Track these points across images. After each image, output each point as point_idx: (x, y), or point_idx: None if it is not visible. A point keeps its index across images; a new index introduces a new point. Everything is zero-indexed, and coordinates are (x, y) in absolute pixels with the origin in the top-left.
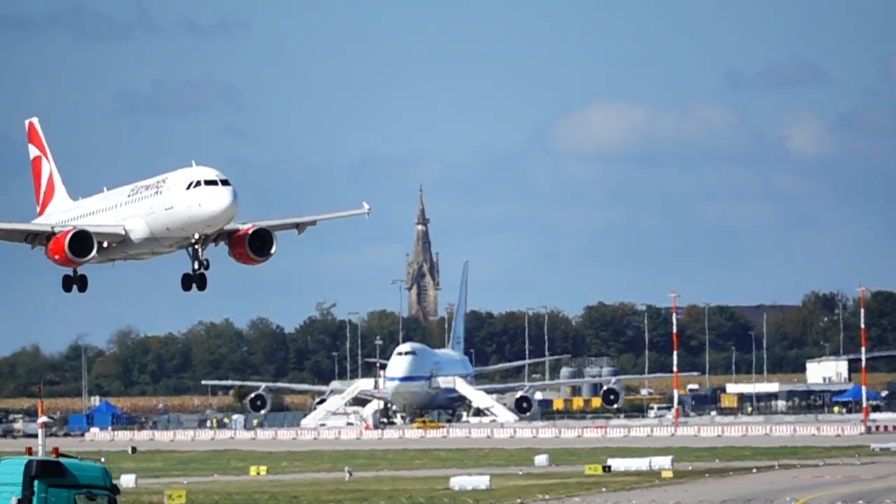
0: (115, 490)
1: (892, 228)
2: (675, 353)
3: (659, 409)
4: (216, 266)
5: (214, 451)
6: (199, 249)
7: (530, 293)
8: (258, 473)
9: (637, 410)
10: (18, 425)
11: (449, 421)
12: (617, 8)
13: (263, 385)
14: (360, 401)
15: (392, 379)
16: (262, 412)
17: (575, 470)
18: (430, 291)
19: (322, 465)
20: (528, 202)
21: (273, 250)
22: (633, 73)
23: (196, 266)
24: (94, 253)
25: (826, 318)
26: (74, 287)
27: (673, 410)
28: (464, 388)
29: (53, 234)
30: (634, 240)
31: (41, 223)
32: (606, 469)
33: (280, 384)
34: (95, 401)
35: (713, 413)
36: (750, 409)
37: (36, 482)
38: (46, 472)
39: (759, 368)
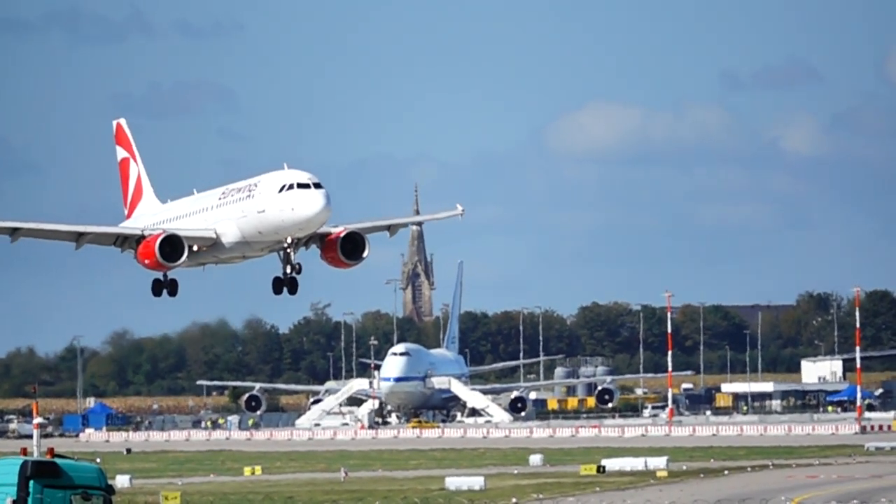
0: (110, 490)
1: (886, 228)
2: (669, 352)
3: (653, 408)
4: (207, 267)
5: (209, 452)
6: (291, 253)
7: (525, 293)
8: (253, 474)
9: (632, 410)
10: (13, 426)
11: (444, 421)
12: (612, 9)
13: (258, 385)
14: (355, 401)
15: (387, 379)
16: (258, 412)
17: (570, 470)
18: (425, 292)
19: (317, 466)
20: (522, 203)
21: (365, 254)
22: (628, 74)
23: (288, 270)
24: (184, 257)
25: (820, 318)
26: (164, 291)
27: (667, 410)
28: (458, 388)
29: (143, 237)
30: (629, 240)
31: (130, 226)
32: (601, 469)
33: (275, 385)
34: (90, 401)
35: (708, 413)
36: (745, 408)
37: (31, 482)
38: (42, 473)
39: (754, 368)
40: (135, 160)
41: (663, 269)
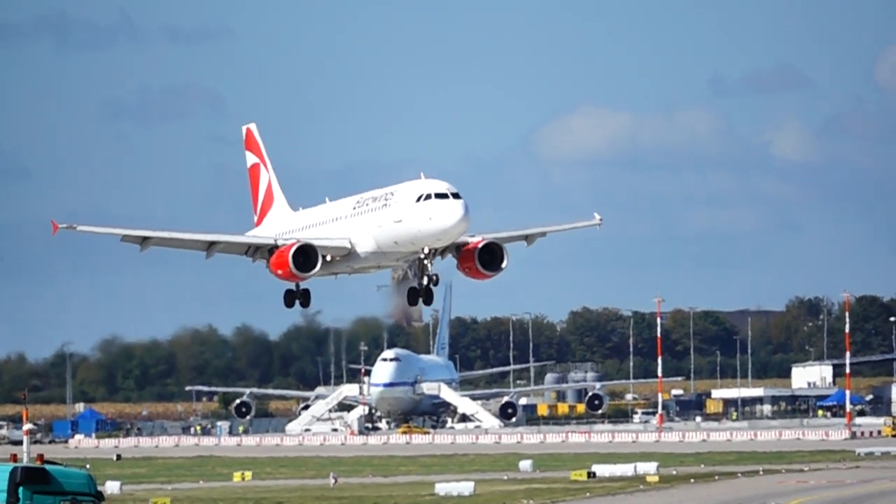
0: (99, 496)
1: (876, 233)
2: (659, 358)
3: (644, 414)
4: (202, 269)
5: (199, 458)
6: (428, 263)
7: (515, 299)
8: (243, 480)
9: (622, 416)
10: (4, 432)
11: (434, 427)
12: (601, 14)
13: (248, 391)
14: (344, 406)
15: (377, 385)
16: (247, 418)
17: (560, 475)
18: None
19: (307, 472)
20: (512, 208)
21: (504, 264)
22: (618, 79)
23: (424, 281)
24: (318, 267)
25: (811, 323)
26: (297, 302)
27: (657, 416)
28: (448, 394)
29: (276, 247)
30: (619, 245)
31: (263, 236)
32: (591, 475)
33: (265, 390)
34: (80, 407)
35: (698, 418)
36: (735, 413)
37: (21, 489)
38: (31, 479)
39: (744, 373)
40: (265, 166)
41: (653, 275)
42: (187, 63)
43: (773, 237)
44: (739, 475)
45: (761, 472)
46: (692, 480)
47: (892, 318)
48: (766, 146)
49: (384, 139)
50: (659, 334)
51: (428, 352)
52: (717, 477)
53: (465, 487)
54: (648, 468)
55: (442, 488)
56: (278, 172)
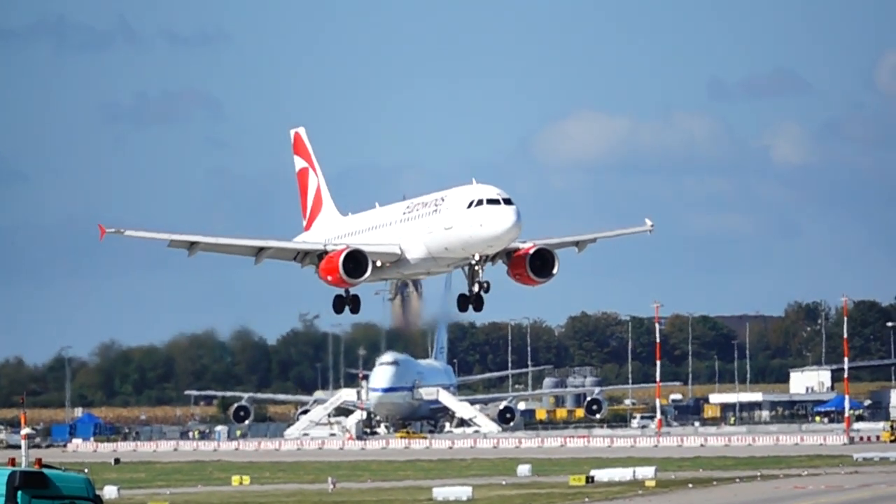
0: (98, 501)
1: (874, 238)
2: (658, 362)
3: (642, 419)
4: (201, 274)
5: (197, 462)
6: (479, 270)
7: (513, 303)
8: (241, 484)
9: (620, 420)
10: (2, 436)
11: (432, 431)
12: (598, 18)
13: (246, 395)
14: (343, 411)
15: (375, 389)
16: (246, 423)
17: (558, 480)
18: (414, 302)
19: (305, 476)
20: None
21: (555, 271)
22: (616, 83)
23: (475, 288)
24: (368, 273)
25: (809, 328)
26: (347, 308)
27: (656, 420)
28: (447, 398)
29: (325, 252)
30: (617, 249)
31: (312, 241)
32: (590, 479)
33: (263, 395)
34: (78, 412)
35: (696, 423)
36: (733, 418)
37: (19, 493)
38: (30, 483)
39: (742, 378)
40: (314, 170)
41: (651, 279)
42: (185, 67)
43: (772, 242)
44: (737, 480)
45: (759, 478)
46: (690, 485)
47: (890, 324)
48: (764, 150)
49: (382, 143)
50: (658, 339)
51: (426, 356)
52: (715, 482)
53: (464, 492)
54: (647, 473)
55: (440, 493)
56: (277, 177)
